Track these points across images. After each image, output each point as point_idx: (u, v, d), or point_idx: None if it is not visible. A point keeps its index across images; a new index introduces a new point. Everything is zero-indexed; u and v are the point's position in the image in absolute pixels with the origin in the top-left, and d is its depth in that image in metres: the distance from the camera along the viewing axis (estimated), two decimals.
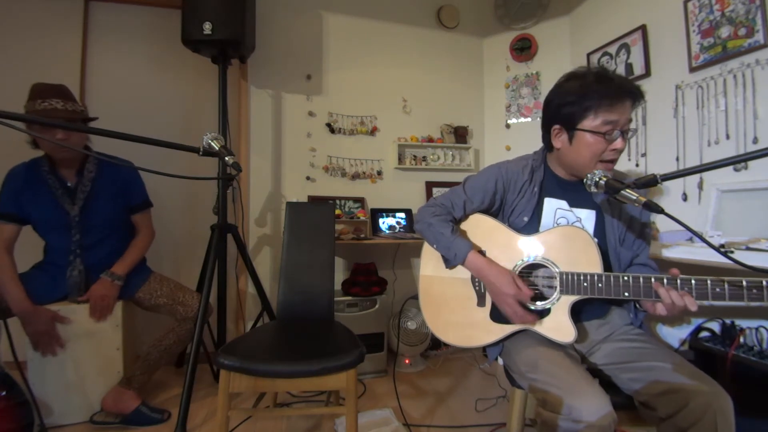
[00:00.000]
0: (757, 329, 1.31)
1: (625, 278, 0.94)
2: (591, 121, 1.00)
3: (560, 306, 1.02)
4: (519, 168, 1.16)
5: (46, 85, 1.49)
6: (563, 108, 1.04)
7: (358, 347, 1.17)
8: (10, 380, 1.19)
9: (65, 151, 1.52)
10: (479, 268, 1.07)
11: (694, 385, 0.85)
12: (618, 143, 0.99)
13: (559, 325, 1.01)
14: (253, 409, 1.71)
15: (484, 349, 2.55)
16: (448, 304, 1.16)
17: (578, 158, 1.04)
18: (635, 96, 1.00)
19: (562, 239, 1.05)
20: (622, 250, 1.09)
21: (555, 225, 1.11)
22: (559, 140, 1.08)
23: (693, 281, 0.88)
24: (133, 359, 1.73)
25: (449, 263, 1.15)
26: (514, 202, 1.14)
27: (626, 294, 0.94)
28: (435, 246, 1.15)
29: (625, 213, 1.11)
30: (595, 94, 0.98)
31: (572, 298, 1.01)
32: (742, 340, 1.29)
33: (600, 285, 0.97)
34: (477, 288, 1.14)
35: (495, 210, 1.20)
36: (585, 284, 0.99)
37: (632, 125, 1.04)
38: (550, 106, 1.09)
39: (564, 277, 1.01)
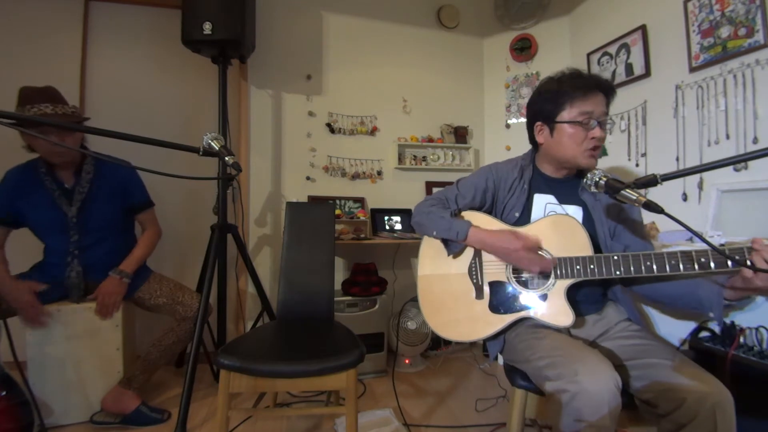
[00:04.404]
0: (757, 329, 1.30)
1: (615, 258, 1.00)
2: (568, 113, 1.08)
3: (556, 291, 1.06)
4: (509, 167, 1.23)
5: (34, 88, 1.47)
6: (543, 105, 1.14)
7: (358, 347, 1.17)
8: (10, 380, 1.19)
9: (61, 156, 1.51)
10: (482, 239, 1.11)
11: (694, 381, 0.85)
12: (596, 131, 1.06)
13: (557, 310, 1.05)
14: (253, 409, 1.71)
15: (484, 348, 2.54)
16: (447, 301, 1.17)
17: (561, 149, 1.11)
18: (606, 89, 1.09)
19: (552, 227, 1.10)
20: (613, 243, 1.13)
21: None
22: (542, 136, 1.16)
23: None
24: (133, 359, 1.74)
25: (451, 246, 1.17)
26: (505, 199, 1.20)
27: (618, 273, 0.99)
28: (435, 233, 1.17)
29: (613, 210, 1.15)
30: (569, 88, 1.08)
31: (567, 282, 1.05)
32: (742, 340, 1.29)
33: (592, 266, 1.02)
34: (474, 280, 1.15)
35: (487, 209, 1.24)
36: (578, 267, 1.04)
37: (609, 118, 1.11)
38: (532, 107, 1.18)
39: (557, 262, 1.06)
